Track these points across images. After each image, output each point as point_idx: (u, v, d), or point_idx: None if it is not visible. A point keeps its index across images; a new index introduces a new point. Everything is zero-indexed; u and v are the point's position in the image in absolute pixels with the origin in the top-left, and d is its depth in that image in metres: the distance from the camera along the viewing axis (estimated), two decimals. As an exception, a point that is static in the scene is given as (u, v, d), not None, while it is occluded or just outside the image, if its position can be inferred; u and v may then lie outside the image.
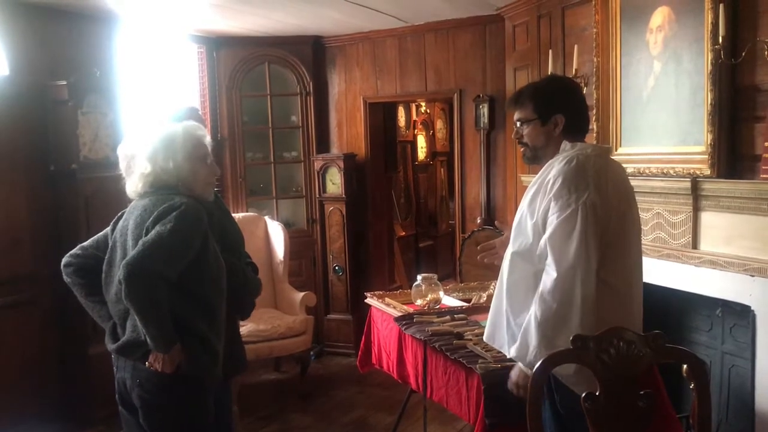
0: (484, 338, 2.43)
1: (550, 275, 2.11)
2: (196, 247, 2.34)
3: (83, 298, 2.55)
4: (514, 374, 2.30)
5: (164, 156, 2.45)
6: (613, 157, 2.51)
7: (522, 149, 2.41)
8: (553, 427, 2.29)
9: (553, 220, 2.13)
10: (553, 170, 2.19)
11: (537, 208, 2.20)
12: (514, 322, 2.24)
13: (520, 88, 2.53)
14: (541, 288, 2.13)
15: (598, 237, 2.10)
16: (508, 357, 2.32)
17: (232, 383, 2.98)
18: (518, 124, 2.37)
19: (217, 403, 2.55)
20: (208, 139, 2.59)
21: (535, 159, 2.37)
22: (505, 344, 2.29)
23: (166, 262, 2.25)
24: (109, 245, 2.50)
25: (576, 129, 2.31)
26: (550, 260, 2.12)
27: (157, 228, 2.27)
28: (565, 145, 2.27)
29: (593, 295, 2.08)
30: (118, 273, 2.25)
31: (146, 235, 2.29)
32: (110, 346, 2.46)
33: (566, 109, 2.29)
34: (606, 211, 2.14)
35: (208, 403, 2.46)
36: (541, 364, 1.89)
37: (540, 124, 2.30)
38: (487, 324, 2.40)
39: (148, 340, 2.26)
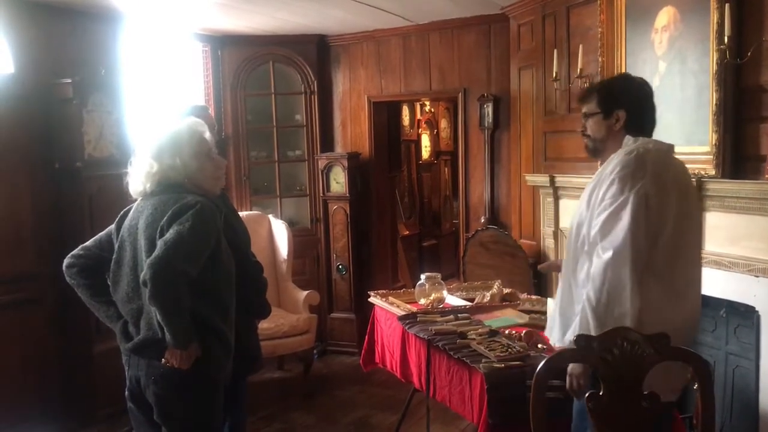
0: (560, 341, 2.37)
1: (600, 257, 2.15)
2: (212, 245, 2.35)
3: (89, 298, 2.54)
4: (571, 367, 2.22)
5: (171, 154, 2.45)
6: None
7: (584, 141, 2.48)
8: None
9: (605, 206, 2.19)
10: (611, 163, 2.26)
11: (595, 200, 2.25)
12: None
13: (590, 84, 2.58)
14: (592, 270, 2.17)
15: (648, 224, 2.14)
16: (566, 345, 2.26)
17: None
18: (584, 118, 2.45)
19: (233, 400, 2.55)
20: (208, 135, 2.59)
21: (596, 152, 2.44)
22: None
23: (189, 261, 2.26)
24: (116, 245, 2.49)
25: (638, 125, 2.35)
26: (600, 243, 2.17)
27: (176, 227, 2.27)
28: (628, 139, 2.32)
29: (639, 278, 2.12)
30: (142, 273, 2.24)
31: (161, 234, 2.28)
32: (124, 346, 2.45)
33: (628, 106, 2.34)
34: (662, 204, 2.18)
35: (221, 397, 2.48)
36: (544, 363, 1.90)
37: (602, 118, 2.38)
38: (555, 322, 2.41)
39: (168, 337, 2.25)
